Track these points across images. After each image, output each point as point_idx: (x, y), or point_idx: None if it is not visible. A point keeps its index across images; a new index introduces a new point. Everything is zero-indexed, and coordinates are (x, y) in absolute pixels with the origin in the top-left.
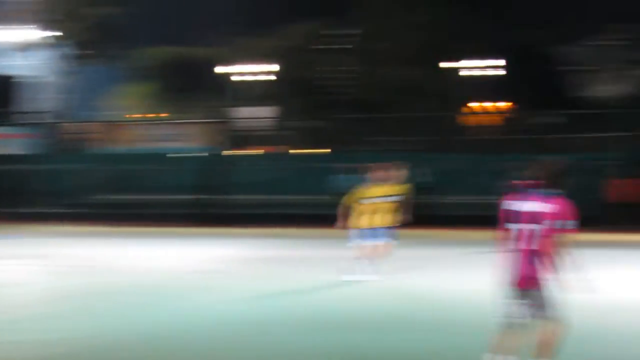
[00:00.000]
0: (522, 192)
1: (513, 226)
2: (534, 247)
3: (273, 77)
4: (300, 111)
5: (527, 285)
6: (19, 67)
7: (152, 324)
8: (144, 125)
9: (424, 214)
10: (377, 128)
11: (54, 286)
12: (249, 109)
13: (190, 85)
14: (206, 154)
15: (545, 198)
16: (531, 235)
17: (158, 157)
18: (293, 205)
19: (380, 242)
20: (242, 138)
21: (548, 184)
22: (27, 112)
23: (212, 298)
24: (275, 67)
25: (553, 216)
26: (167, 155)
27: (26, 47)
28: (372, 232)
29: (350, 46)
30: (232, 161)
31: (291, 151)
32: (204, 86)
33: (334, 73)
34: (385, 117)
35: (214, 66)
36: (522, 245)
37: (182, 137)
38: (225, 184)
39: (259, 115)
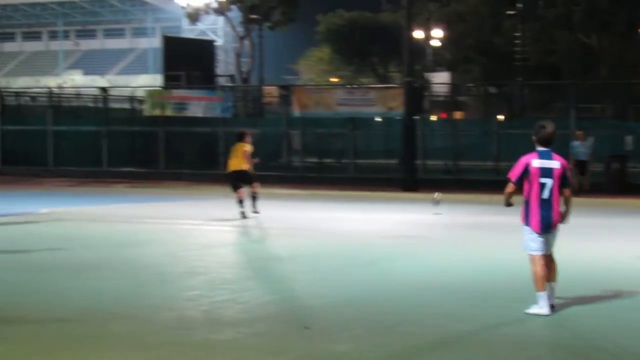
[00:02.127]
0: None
1: (545, 180)
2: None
3: (454, 42)
4: (483, 77)
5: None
6: (202, 32)
7: (351, 286)
8: (331, 89)
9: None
10: (563, 95)
11: (258, 247)
12: (434, 74)
13: (374, 50)
14: (398, 119)
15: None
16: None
17: (350, 122)
18: (493, 171)
19: None
20: (432, 103)
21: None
22: (218, 76)
23: (411, 263)
24: (456, 32)
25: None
26: (362, 119)
27: (208, 13)
28: None
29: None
30: (427, 126)
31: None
32: (389, 51)
33: (519, 39)
34: (573, 83)
35: (397, 31)
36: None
37: (370, 102)
38: (420, 149)
39: (443, 80)
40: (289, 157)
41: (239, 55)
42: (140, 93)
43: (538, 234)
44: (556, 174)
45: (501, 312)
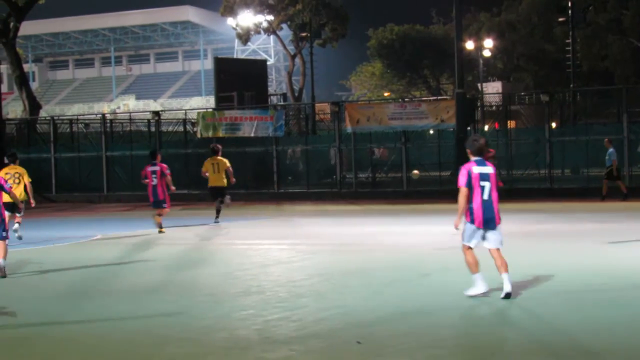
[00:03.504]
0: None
1: (484, 183)
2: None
3: (505, 52)
4: (535, 85)
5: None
6: (253, 51)
7: (404, 300)
8: (382, 104)
9: None
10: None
11: (310, 264)
12: (485, 84)
13: (425, 63)
14: (450, 130)
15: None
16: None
17: (402, 135)
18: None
19: None
20: (484, 113)
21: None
22: (270, 95)
23: (465, 275)
24: (507, 42)
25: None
26: (414, 132)
27: (259, 33)
28: None
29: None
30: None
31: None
32: (440, 63)
33: (570, 45)
34: (625, 88)
35: (447, 43)
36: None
37: (422, 115)
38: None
39: (495, 90)
40: (342, 173)
41: (290, 73)
42: (192, 115)
43: (479, 229)
44: (492, 178)
45: (560, 317)
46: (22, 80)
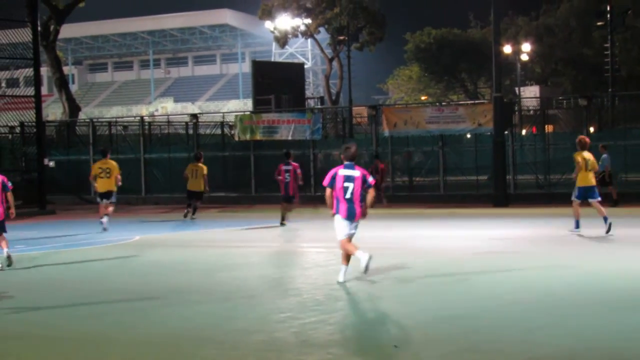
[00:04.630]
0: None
1: (348, 184)
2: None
3: (543, 56)
4: (573, 89)
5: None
6: (291, 55)
7: (442, 304)
8: (420, 108)
9: None
10: None
11: (349, 269)
12: (523, 88)
13: (463, 67)
14: (488, 134)
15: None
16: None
17: (439, 139)
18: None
19: None
20: (522, 117)
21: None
22: (307, 98)
23: (502, 279)
24: (545, 46)
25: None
26: (451, 136)
27: (296, 36)
28: None
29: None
30: (517, 141)
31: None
32: (478, 67)
33: (608, 49)
34: None
35: (485, 47)
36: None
37: (460, 119)
38: (511, 164)
39: (532, 94)
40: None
41: (327, 76)
42: (230, 118)
43: (344, 219)
44: (356, 180)
45: (596, 324)
46: (62, 83)
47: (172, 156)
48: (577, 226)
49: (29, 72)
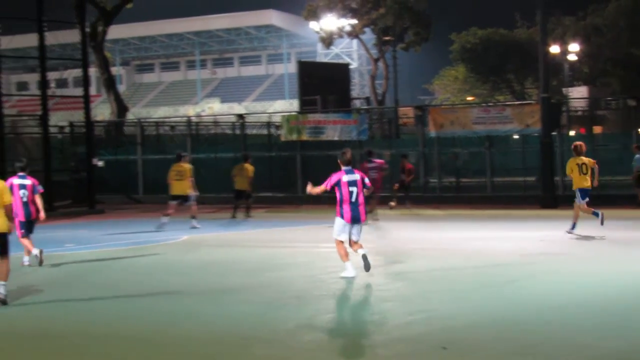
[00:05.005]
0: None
1: (352, 188)
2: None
3: (591, 56)
4: (622, 90)
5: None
6: (336, 55)
7: (490, 306)
8: (466, 108)
9: None
10: None
11: (395, 269)
12: (571, 89)
13: (510, 67)
14: (535, 135)
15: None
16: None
17: (486, 140)
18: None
19: None
20: (569, 118)
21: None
22: (353, 99)
23: (551, 281)
24: (593, 46)
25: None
26: (498, 137)
27: (342, 37)
28: None
29: None
30: (565, 142)
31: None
32: (525, 67)
33: None
34: None
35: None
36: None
37: (507, 119)
38: (559, 165)
39: (580, 95)
40: (426, 178)
41: (373, 77)
42: (276, 118)
43: (348, 224)
44: (359, 183)
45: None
46: (110, 83)
47: (219, 156)
48: (573, 227)
49: (77, 72)
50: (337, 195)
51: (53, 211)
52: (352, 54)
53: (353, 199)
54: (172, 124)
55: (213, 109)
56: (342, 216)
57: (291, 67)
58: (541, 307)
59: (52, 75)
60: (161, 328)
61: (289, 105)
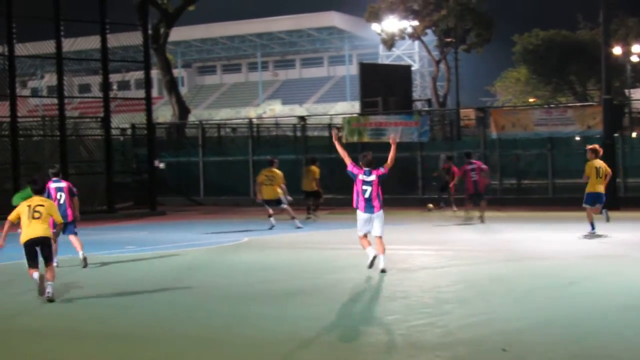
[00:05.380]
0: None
1: (366, 187)
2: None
3: None
4: None
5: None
6: (398, 57)
7: (550, 308)
8: (528, 110)
9: None
10: None
11: (456, 271)
12: (634, 90)
13: (572, 68)
14: (597, 137)
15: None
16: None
17: (548, 142)
18: None
19: None
20: (632, 120)
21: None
22: (414, 101)
23: (613, 282)
24: None
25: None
26: (560, 139)
27: (403, 38)
28: None
29: None
30: (627, 144)
31: None
32: (587, 69)
33: None
34: None
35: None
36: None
37: (568, 121)
38: (621, 167)
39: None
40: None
41: (435, 79)
42: (338, 120)
43: (363, 213)
44: (374, 184)
45: None
46: (171, 85)
47: (280, 158)
48: (593, 228)
49: (139, 74)
50: (354, 188)
51: (114, 213)
52: (413, 55)
53: (366, 196)
54: (234, 126)
55: (274, 111)
56: (357, 206)
57: (353, 69)
58: (603, 308)
59: (114, 78)
60: (215, 331)
61: (350, 107)
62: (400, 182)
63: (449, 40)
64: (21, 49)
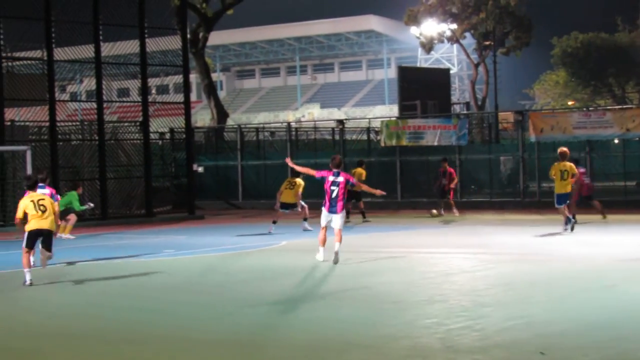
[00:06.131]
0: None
1: (334, 187)
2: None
3: None
4: None
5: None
6: (437, 60)
7: (589, 311)
8: (566, 113)
9: None
10: None
11: (493, 274)
12: None
13: (611, 71)
14: (636, 140)
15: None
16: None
17: (586, 145)
18: None
19: None
20: None
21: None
22: (453, 104)
23: None
24: None
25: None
26: (598, 142)
27: (442, 42)
28: None
29: None
30: None
31: None
32: (626, 71)
33: None
34: None
35: (634, 51)
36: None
37: (607, 124)
38: None
39: None
40: (526, 183)
41: (473, 82)
42: (376, 124)
43: (327, 212)
44: (341, 184)
45: None
46: (210, 89)
47: (319, 161)
48: (568, 221)
49: (178, 78)
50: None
51: (153, 217)
52: (452, 58)
53: (333, 196)
54: (272, 130)
55: (313, 115)
56: (324, 205)
57: (391, 73)
58: (639, 313)
59: (153, 82)
60: (255, 333)
61: (388, 110)
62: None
63: (487, 43)
64: (60, 53)
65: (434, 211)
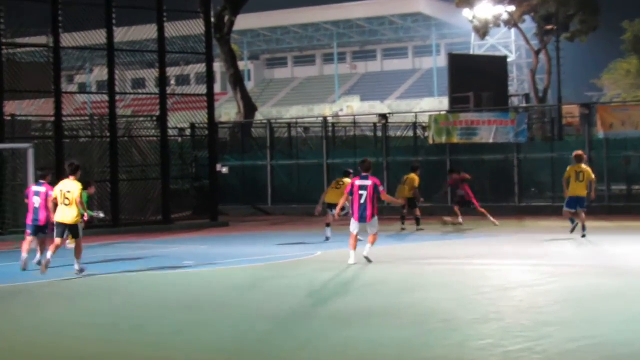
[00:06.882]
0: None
1: (362, 192)
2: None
3: None
4: None
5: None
6: (492, 47)
7: None
8: (638, 106)
9: None
10: None
11: (556, 288)
12: None
13: None
14: None
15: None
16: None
17: None
18: None
19: None
20: None
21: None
22: (511, 96)
23: None
24: None
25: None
26: None
27: (498, 26)
28: None
29: None
30: None
31: None
32: None
33: None
34: None
35: None
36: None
37: None
38: None
39: None
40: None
41: (533, 71)
42: (423, 118)
43: (356, 222)
44: (369, 189)
45: None
46: (236, 80)
47: (359, 161)
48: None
49: (200, 68)
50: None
51: (171, 224)
52: (509, 45)
53: (362, 201)
54: (306, 125)
55: (352, 109)
56: (353, 214)
57: (441, 61)
58: None
59: (172, 72)
60: (289, 351)
61: (438, 103)
62: (494, 188)
63: (549, 27)
64: (68, 39)
65: (448, 218)
